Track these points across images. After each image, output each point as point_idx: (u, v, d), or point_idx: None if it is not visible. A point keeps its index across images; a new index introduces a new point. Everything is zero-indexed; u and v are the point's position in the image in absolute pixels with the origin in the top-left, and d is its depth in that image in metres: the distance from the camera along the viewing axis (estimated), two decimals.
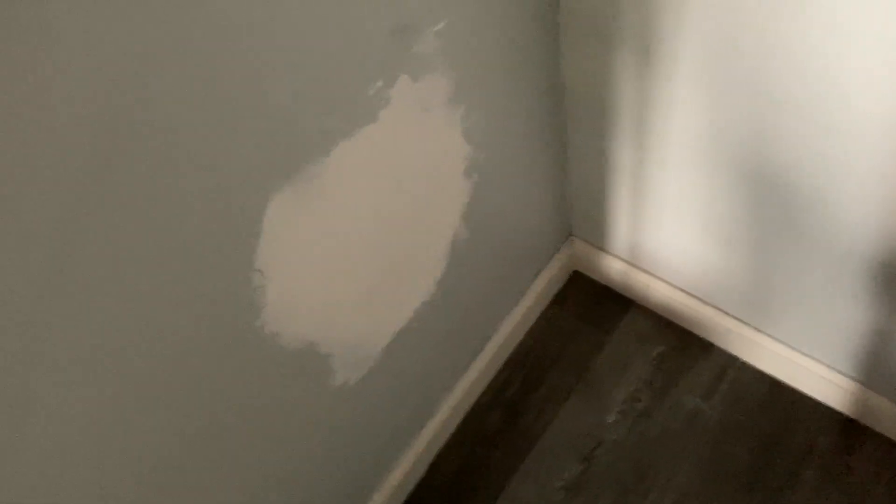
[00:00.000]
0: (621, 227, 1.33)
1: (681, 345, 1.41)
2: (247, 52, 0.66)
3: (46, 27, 0.52)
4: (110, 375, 0.71)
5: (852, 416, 1.30)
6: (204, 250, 0.73)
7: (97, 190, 0.61)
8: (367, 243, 0.93)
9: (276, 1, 0.66)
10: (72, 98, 0.56)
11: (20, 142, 0.54)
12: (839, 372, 1.25)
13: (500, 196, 1.15)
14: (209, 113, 0.66)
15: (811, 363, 1.27)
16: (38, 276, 0.60)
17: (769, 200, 1.05)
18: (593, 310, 1.47)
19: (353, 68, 0.78)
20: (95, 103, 0.57)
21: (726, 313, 1.33)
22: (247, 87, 0.68)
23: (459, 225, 1.09)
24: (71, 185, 0.59)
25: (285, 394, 0.94)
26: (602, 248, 1.42)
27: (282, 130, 0.74)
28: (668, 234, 1.26)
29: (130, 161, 0.62)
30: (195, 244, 0.72)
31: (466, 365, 1.34)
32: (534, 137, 1.15)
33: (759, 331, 1.30)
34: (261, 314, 0.83)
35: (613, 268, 1.43)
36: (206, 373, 0.81)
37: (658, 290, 1.39)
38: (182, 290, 0.73)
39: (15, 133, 0.54)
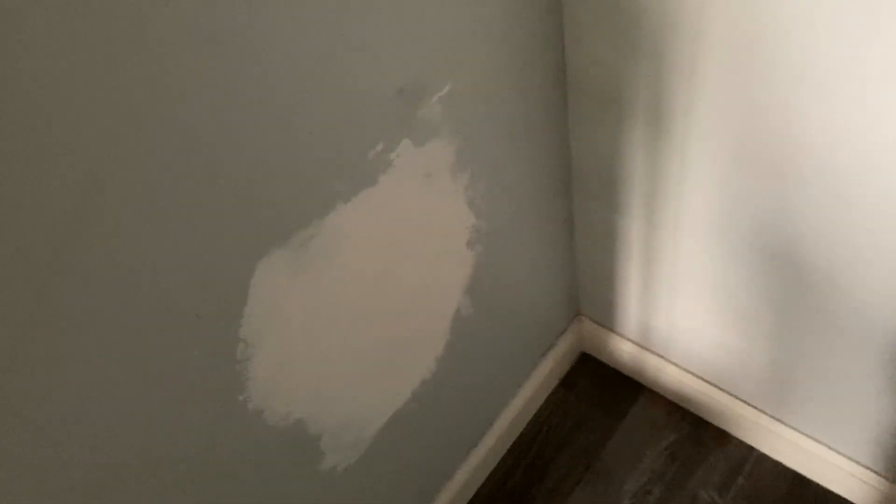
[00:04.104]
0: (631, 307, 1.28)
1: (695, 434, 1.33)
2: (240, 103, 0.63)
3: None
4: (83, 450, 0.65)
5: None
6: (183, 316, 0.67)
7: (70, 244, 0.56)
8: (362, 315, 0.88)
9: (278, 55, 0.63)
10: (49, 147, 0.52)
11: None
12: (866, 467, 1.17)
13: (504, 270, 1.11)
14: (194, 164, 0.62)
15: (835, 457, 1.19)
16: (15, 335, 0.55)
17: (790, 281, 1.00)
18: (602, 394, 1.40)
19: (354, 129, 0.75)
20: (74, 153, 0.53)
21: (744, 401, 1.26)
22: (237, 139, 0.64)
23: (462, 299, 1.03)
24: (44, 238, 0.54)
25: (269, 476, 0.87)
26: (611, 328, 1.36)
27: (274, 189, 0.69)
28: (681, 316, 1.21)
29: (107, 216, 0.58)
30: (173, 309, 0.66)
31: (467, 452, 1.27)
32: (540, 209, 1.11)
33: (779, 421, 1.23)
34: (245, 388, 0.77)
35: (623, 350, 1.37)
36: (182, 448, 0.75)
37: (670, 375, 1.33)
38: (158, 359, 0.67)
39: None
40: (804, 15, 0.73)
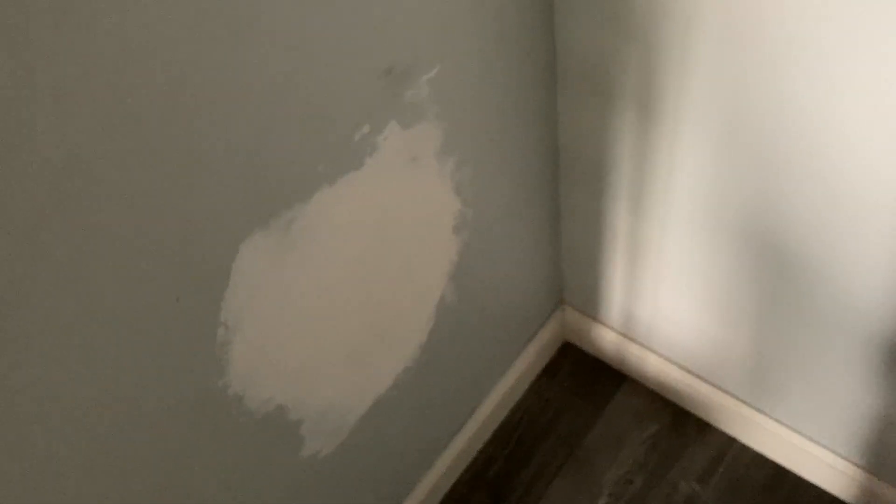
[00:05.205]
0: (615, 296, 1.27)
1: (676, 424, 1.33)
2: (223, 84, 0.61)
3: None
4: (59, 436, 0.64)
5: None
6: (163, 298, 0.66)
7: (47, 225, 0.54)
8: (346, 300, 0.86)
9: (262, 35, 0.62)
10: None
11: None
12: (845, 459, 1.18)
13: (489, 257, 1.10)
14: (177, 145, 0.60)
15: (815, 448, 1.20)
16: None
17: (774, 273, 1.00)
18: (585, 384, 1.40)
19: (340, 111, 0.73)
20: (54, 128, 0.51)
21: (725, 392, 1.26)
22: (220, 121, 0.62)
23: (446, 286, 1.02)
24: (19, 218, 0.53)
25: (249, 462, 0.86)
26: (595, 317, 1.36)
27: (258, 171, 0.68)
28: (665, 305, 1.21)
29: (86, 197, 0.56)
30: (152, 292, 0.64)
31: (448, 439, 1.26)
32: (526, 196, 1.10)
33: (759, 412, 1.24)
34: (224, 373, 0.75)
35: (606, 339, 1.36)
36: (161, 434, 0.73)
37: (653, 365, 1.33)
38: (135, 343, 0.66)
39: None
40: (797, 2, 0.72)
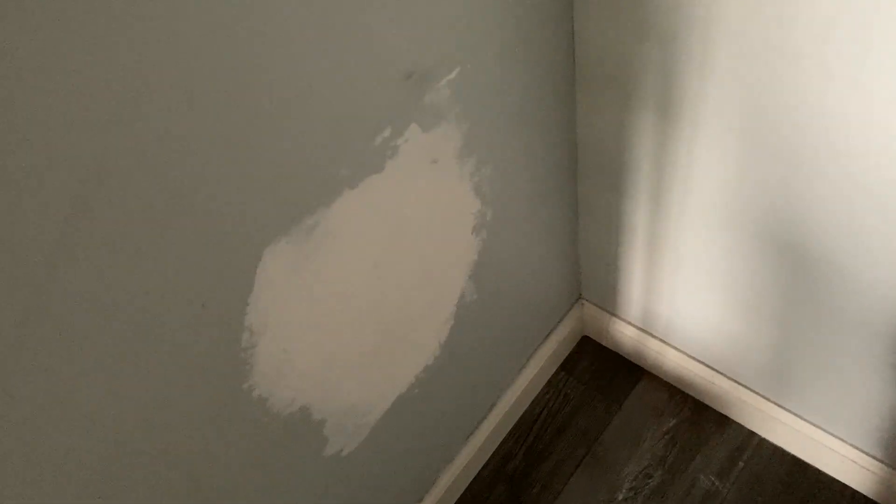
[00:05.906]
0: (634, 292, 1.27)
1: (695, 418, 1.33)
2: (246, 89, 0.61)
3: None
4: (89, 440, 0.64)
5: (879, 501, 1.22)
6: (188, 304, 0.66)
7: (74, 233, 0.55)
8: (368, 301, 0.87)
9: (284, 40, 0.62)
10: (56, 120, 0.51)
11: None
12: (865, 453, 1.18)
13: (508, 255, 1.10)
14: (201, 152, 0.61)
15: (835, 442, 1.20)
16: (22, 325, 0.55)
17: (793, 268, 1.00)
18: (603, 378, 1.40)
19: (362, 114, 0.73)
20: (77, 128, 0.52)
21: (744, 386, 1.26)
22: (243, 126, 0.63)
23: (466, 285, 1.03)
24: (50, 223, 0.53)
25: (274, 462, 0.87)
26: (613, 312, 1.36)
27: (281, 176, 0.68)
28: (684, 301, 1.21)
29: (112, 206, 0.56)
30: (178, 299, 0.65)
31: (468, 434, 1.27)
32: (545, 195, 1.10)
33: (779, 406, 1.23)
34: (249, 376, 0.76)
35: (625, 334, 1.36)
36: (188, 437, 0.74)
37: (671, 359, 1.33)
38: (162, 350, 0.66)
39: None
40: (819, 3, 0.72)
